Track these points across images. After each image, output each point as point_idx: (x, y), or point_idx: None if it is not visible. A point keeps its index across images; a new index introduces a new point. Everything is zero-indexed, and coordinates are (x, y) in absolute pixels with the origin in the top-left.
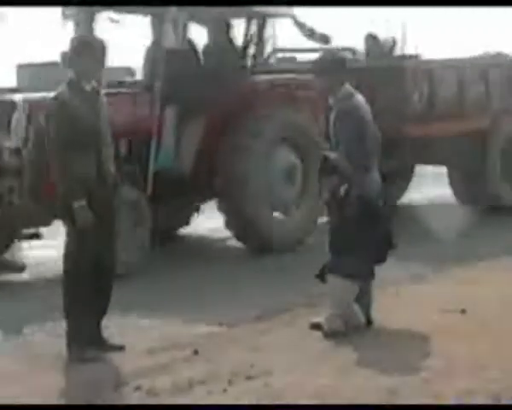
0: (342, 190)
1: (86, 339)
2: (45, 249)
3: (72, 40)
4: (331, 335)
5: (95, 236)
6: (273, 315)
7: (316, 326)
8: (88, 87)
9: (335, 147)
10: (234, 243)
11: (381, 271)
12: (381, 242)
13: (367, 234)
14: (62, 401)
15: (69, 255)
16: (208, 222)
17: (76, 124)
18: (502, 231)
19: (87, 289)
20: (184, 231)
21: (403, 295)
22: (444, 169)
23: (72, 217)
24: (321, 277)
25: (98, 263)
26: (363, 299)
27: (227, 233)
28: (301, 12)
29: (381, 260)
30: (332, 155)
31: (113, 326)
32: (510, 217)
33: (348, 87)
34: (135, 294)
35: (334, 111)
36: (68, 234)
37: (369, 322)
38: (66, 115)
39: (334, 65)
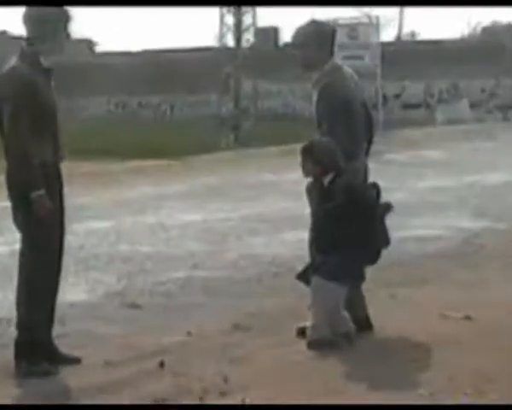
0: (327, 179)
1: (38, 349)
2: None
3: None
4: (316, 345)
5: (58, 226)
6: (251, 322)
7: (303, 332)
8: (45, 62)
9: (318, 128)
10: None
11: (375, 272)
12: (372, 239)
13: (355, 230)
14: None
15: (33, 249)
16: None
17: (37, 103)
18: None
19: (47, 286)
20: None
21: (399, 300)
22: None
23: (29, 207)
24: (303, 278)
25: (59, 254)
26: (360, 303)
27: None
28: None
29: (373, 259)
30: (317, 138)
31: (67, 334)
32: None
33: (335, 60)
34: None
35: (318, 87)
36: (28, 227)
37: (369, 327)
38: (27, 93)
39: None
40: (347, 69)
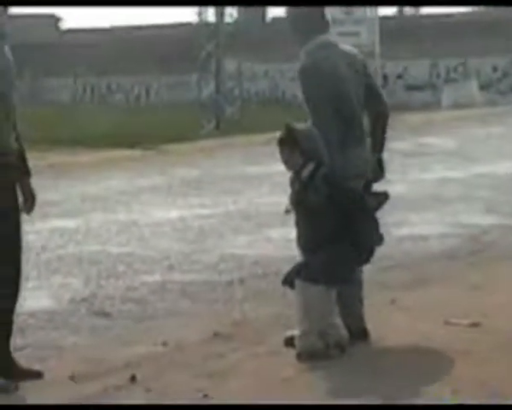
0: (307, 171)
1: None
2: None
3: None
4: (306, 356)
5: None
6: (233, 331)
7: (292, 341)
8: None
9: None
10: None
11: (372, 274)
12: (362, 236)
13: (341, 226)
14: None
15: None
16: None
17: None
18: None
19: (5, 291)
20: None
21: (399, 305)
22: None
23: None
24: (288, 282)
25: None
26: (354, 307)
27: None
28: None
29: (364, 259)
30: (297, 126)
31: (27, 346)
32: None
33: (324, 36)
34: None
35: (299, 68)
36: None
37: (365, 335)
38: None
39: None
40: (341, 46)
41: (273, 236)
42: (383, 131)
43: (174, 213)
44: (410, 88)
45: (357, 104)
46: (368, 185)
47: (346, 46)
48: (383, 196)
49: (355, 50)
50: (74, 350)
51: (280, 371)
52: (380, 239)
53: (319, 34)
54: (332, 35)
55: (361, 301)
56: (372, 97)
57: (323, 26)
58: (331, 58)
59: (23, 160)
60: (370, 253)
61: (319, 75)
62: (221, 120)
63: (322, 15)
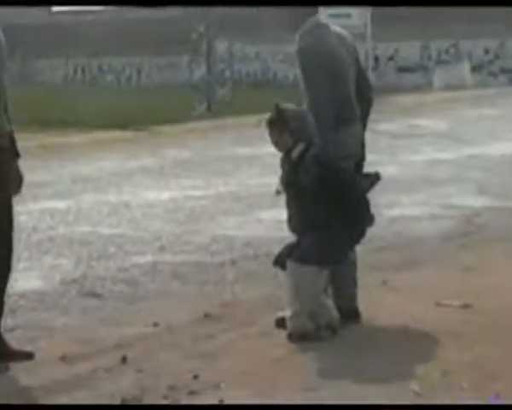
0: (296, 151)
1: None
2: None
3: None
4: (296, 337)
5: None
6: (224, 312)
7: (283, 322)
8: None
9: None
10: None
11: (363, 255)
12: (353, 216)
13: (332, 207)
14: None
15: None
16: None
17: None
18: None
19: None
20: None
21: (390, 286)
22: None
23: None
24: (280, 263)
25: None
26: (347, 288)
27: None
28: None
29: (355, 240)
30: (287, 106)
31: (18, 327)
32: None
33: (317, 17)
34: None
35: (298, 48)
36: None
37: (356, 315)
38: None
39: None
40: (332, 28)
41: (264, 217)
42: (367, 115)
43: (165, 195)
44: (402, 70)
45: (350, 85)
46: (359, 166)
47: (337, 28)
48: (374, 177)
49: (345, 32)
50: (65, 331)
51: (271, 351)
52: (371, 220)
53: (310, 17)
54: (322, 16)
55: (355, 281)
56: (360, 80)
57: (314, 8)
58: (327, 39)
59: (12, 141)
60: (361, 233)
61: (317, 56)
62: (212, 101)
63: None
